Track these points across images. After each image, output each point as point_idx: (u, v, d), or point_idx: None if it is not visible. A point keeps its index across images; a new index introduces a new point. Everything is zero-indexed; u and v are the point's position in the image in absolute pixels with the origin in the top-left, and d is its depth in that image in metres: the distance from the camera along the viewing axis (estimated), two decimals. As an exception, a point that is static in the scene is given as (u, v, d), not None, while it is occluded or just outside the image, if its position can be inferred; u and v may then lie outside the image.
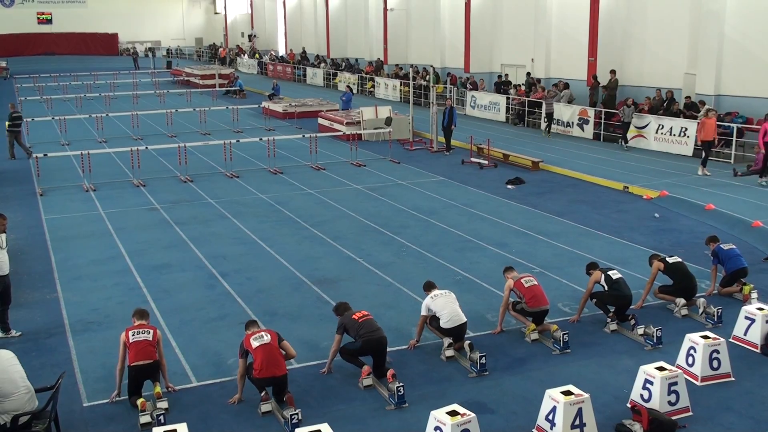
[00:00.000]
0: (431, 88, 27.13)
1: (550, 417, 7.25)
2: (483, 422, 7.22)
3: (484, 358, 8.77)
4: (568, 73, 28.56)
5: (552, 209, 16.43)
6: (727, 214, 15.33)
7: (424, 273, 11.97)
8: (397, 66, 40.85)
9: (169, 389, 8.38)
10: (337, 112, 28.82)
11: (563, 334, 9.37)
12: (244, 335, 8.28)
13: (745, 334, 9.49)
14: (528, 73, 31.03)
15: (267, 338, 8.08)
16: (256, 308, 10.87)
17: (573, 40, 28.53)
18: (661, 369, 7.81)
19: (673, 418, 7.64)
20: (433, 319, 9.44)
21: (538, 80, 29.91)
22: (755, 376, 8.68)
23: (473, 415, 6.94)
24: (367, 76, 41.53)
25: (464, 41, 34.81)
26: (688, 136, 21.52)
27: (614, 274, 10.19)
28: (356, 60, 47.51)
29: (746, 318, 9.50)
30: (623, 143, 23.14)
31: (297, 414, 7.60)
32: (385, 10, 42.13)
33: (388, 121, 25.07)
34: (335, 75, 44.69)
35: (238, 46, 67.23)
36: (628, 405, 7.93)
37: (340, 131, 25.56)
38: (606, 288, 10.13)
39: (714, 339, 8.64)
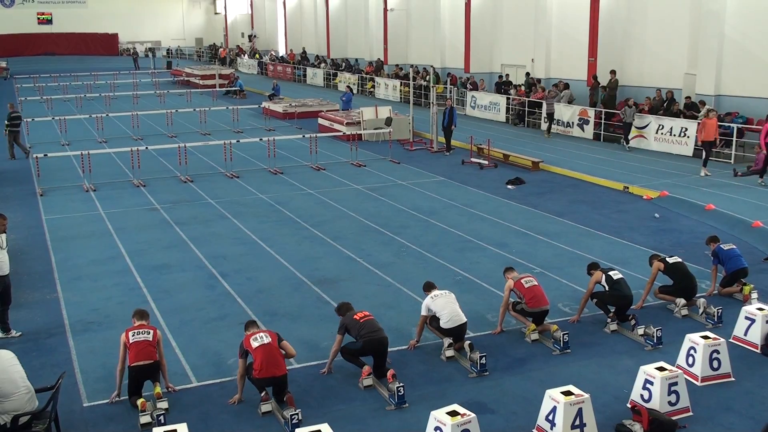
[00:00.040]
0: (431, 89, 27.14)
1: (550, 417, 7.25)
2: (483, 422, 7.22)
3: (484, 358, 8.77)
4: (568, 74, 28.56)
5: (552, 209, 16.42)
6: (727, 214, 15.33)
7: (424, 273, 11.97)
8: (397, 66, 40.85)
9: (169, 389, 8.38)
10: (338, 113, 28.82)
11: (563, 334, 9.36)
12: (243, 336, 8.29)
13: (745, 335, 9.49)
14: (527, 74, 31.04)
15: (267, 339, 8.08)
16: (256, 308, 10.87)
17: (573, 40, 28.54)
18: (661, 369, 7.81)
19: (674, 418, 7.64)
20: (433, 320, 9.44)
21: (538, 80, 29.91)
22: (755, 377, 8.68)
23: (473, 415, 6.94)
24: (367, 76, 41.54)
25: (464, 41, 34.82)
26: (688, 137, 21.52)
27: (615, 275, 10.19)
28: (356, 60, 47.51)
29: (746, 318, 9.49)
30: (625, 144, 23.11)
31: (297, 414, 7.60)
32: (385, 10, 42.14)
33: (389, 122, 25.07)
34: (335, 75, 44.70)
35: (238, 46, 67.23)
36: (628, 405, 7.93)
37: (341, 131, 25.57)
38: (607, 288, 10.14)
39: (714, 339, 8.64)
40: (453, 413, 6.90)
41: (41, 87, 41.43)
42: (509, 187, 18.73)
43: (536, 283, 9.94)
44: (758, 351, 9.27)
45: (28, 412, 7.16)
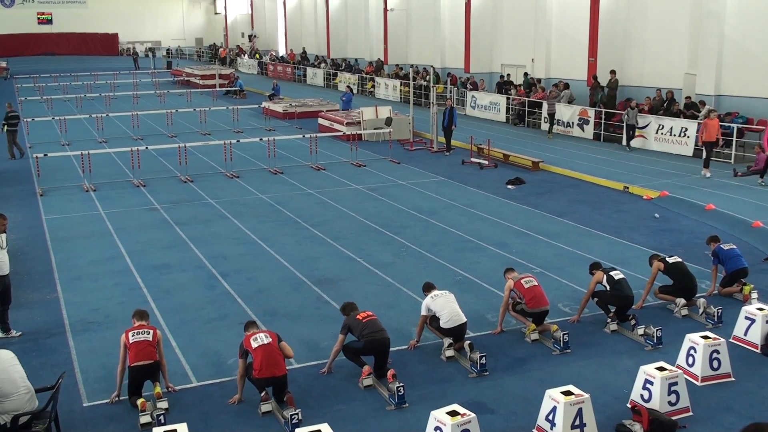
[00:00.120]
0: (431, 89, 27.14)
1: (551, 417, 7.25)
2: (483, 422, 7.22)
3: (484, 358, 8.77)
4: (568, 74, 28.56)
5: (552, 209, 16.42)
6: (727, 214, 15.33)
7: (424, 273, 11.97)
8: (397, 66, 40.86)
9: (170, 389, 8.38)
10: (338, 113, 28.81)
11: (563, 334, 9.36)
12: (243, 336, 8.28)
13: (745, 335, 9.49)
14: (526, 74, 31.04)
15: (267, 339, 8.08)
16: (256, 308, 10.87)
17: (573, 40, 28.53)
18: (661, 369, 7.81)
19: (674, 418, 7.64)
20: (433, 320, 9.44)
21: (538, 80, 29.91)
22: (755, 377, 8.68)
23: (473, 415, 6.94)
24: (368, 76, 41.53)
25: (464, 41, 34.82)
26: (688, 137, 21.51)
27: (616, 275, 10.19)
28: (356, 60, 47.51)
29: (746, 318, 9.49)
30: (627, 146, 23.02)
31: (297, 414, 7.60)
32: (385, 10, 42.14)
33: (389, 122, 25.06)
34: (335, 75, 44.69)
35: (238, 46, 67.23)
36: (628, 405, 7.93)
37: (341, 131, 25.57)
38: (608, 288, 10.14)
39: (714, 339, 8.64)
40: (453, 413, 6.90)
41: (41, 87, 41.42)
42: (509, 187, 18.73)
43: (536, 284, 9.94)
44: (758, 351, 9.27)
45: (28, 412, 7.16)
